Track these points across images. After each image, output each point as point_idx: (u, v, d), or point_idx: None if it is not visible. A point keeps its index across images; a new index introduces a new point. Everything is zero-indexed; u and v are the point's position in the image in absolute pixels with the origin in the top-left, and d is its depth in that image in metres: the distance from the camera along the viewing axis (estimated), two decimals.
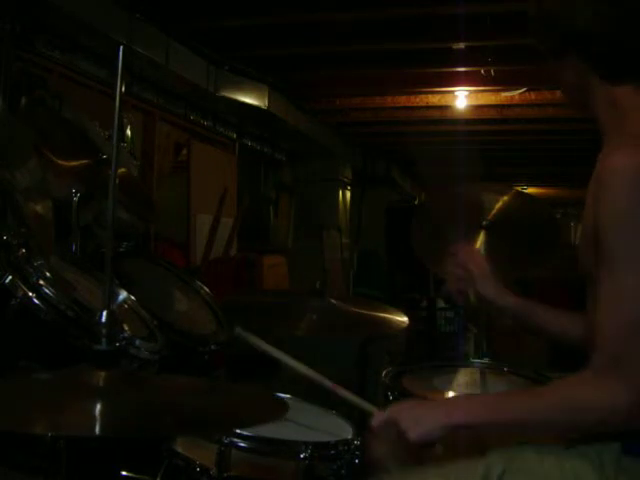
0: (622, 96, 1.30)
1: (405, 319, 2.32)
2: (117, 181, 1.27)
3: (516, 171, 9.85)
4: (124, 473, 1.62)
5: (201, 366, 2.41)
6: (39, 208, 2.19)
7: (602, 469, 1.21)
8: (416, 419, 1.25)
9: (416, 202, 9.97)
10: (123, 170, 2.97)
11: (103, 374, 1.12)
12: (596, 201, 1.21)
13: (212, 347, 2.42)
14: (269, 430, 1.44)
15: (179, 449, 1.51)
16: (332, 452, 1.53)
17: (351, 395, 1.46)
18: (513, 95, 5.30)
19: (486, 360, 2.35)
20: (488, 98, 5.52)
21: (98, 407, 1.04)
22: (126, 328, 1.82)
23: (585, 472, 1.22)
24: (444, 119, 6.14)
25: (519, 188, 8.42)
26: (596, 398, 1.15)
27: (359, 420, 1.71)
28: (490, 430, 1.29)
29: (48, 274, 1.79)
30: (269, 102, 5.04)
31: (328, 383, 1.49)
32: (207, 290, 2.69)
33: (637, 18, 1.26)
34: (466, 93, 5.38)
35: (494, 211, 2.40)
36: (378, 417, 1.32)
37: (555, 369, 2.23)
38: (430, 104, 5.70)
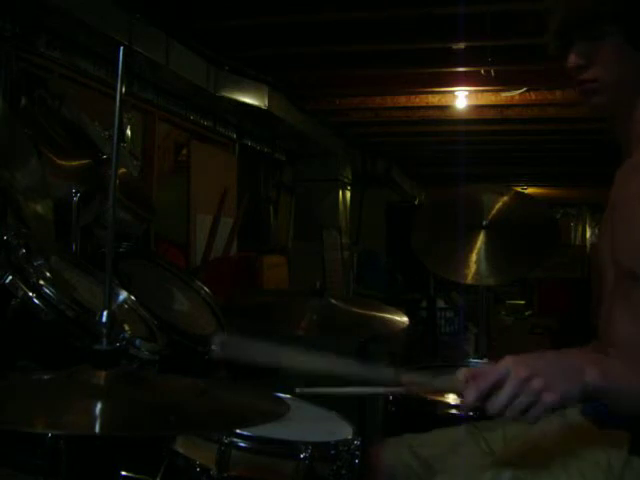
0: None
1: (405, 319, 2.32)
2: (117, 181, 1.27)
3: (516, 171, 9.85)
4: (124, 473, 1.61)
5: (201, 366, 2.41)
6: (39, 208, 2.19)
7: (609, 471, 1.20)
8: (552, 377, 1.06)
9: (416, 202, 9.97)
10: (123, 170, 2.98)
11: (103, 374, 1.12)
12: None
13: (212, 347, 2.41)
14: (269, 430, 1.45)
15: (179, 449, 1.51)
16: (332, 452, 1.53)
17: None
18: (513, 95, 5.31)
19: (486, 360, 2.35)
20: (488, 98, 5.52)
21: (98, 407, 1.04)
22: (126, 328, 1.82)
23: (591, 472, 1.22)
24: (444, 119, 6.14)
25: (519, 188, 8.46)
26: None
27: (359, 420, 1.71)
28: (623, 400, 1.13)
29: (48, 274, 1.79)
30: (269, 102, 5.03)
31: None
32: (207, 290, 2.69)
33: None
34: (466, 93, 5.38)
35: (494, 211, 2.40)
36: (490, 373, 1.08)
37: None
38: (430, 104, 5.69)
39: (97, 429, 1.00)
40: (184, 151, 5.21)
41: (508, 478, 1.25)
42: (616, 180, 1.31)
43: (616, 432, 1.21)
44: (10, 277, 1.67)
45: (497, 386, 1.06)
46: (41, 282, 1.71)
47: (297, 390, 1.35)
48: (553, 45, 1.32)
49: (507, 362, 1.09)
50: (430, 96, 5.61)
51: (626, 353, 1.23)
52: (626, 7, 1.21)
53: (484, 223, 2.37)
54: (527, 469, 1.27)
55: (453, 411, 1.88)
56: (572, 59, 1.28)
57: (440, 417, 1.66)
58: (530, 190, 10.30)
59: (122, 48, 1.19)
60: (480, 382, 1.08)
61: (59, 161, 2.46)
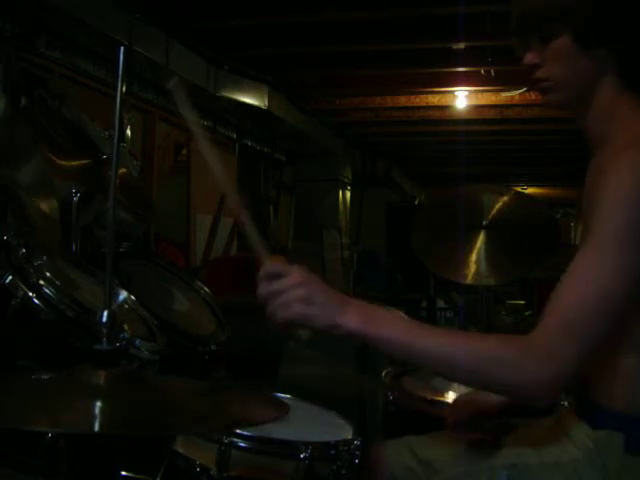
0: (627, 106, 1.24)
1: None
2: (117, 181, 1.27)
3: (516, 171, 9.85)
4: (124, 473, 1.61)
5: (201, 366, 2.41)
6: (44, 206, 2.19)
7: (605, 469, 1.21)
8: (321, 305, 1.15)
9: (416, 202, 9.98)
10: (123, 170, 2.98)
11: (103, 374, 1.12)
12: (598, 191, 1.17)
13: (212, 347, 2.42)
14: (269, 430, 1.45)
15: (179, 449, 1.51)
16: (332, 452, 1.53)
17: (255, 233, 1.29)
18: (513, 95, 5.31)
19: None
20: (488, 98, 5.52)
21: (98, 407, 1.04)
22: (126, 328, 1.82)
23: (587, 472, 1.22)
24: (444, 119, 6.14)
25: (519, 188, 8.47)
26: (521, 365, 1.09)
27: (359, 420, 1.71)
28: (386, 348, 1.19)
29: (48, 274, 1.79)
30: (269, 102, 5.04)
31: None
32: (207, 290, 2.69)
33: None
34: (466, 93, 5.38)
35: (494, 211, 2.40)
36: (273, 266, 1.18)
37: None
38: (430, 104, 5.70)
39: (97, 429, 1.00)
40: (184, 151, 5.21)
41: (505, 478, 1.26)
42: (586, 182, 1.30)
43: (611, 432, 1.22)
44: (10, 277, 1.67)
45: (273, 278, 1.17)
46: (41, 282, 1.71)
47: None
48: (514, 44, 1.35)
49: (295, 267, 1.18)
50: (430, 96, 5.61)
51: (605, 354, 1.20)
52: (573, 7, 1.23)
53: (484, 223, 2.37)
54: (523, 469, 1.28)
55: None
56: (527, 58, 1.31)
57: (440, 417, 1.66)
58: (530, 190, 10.31)
59: (122, 48, 1.19)
60: (263, 269, 1.19)
61: (59, 161, 2.46)
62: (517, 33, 1.33)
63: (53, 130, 2.64)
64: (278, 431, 1.47)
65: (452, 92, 5.38)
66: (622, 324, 1.15)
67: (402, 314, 1.21)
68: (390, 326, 1.17)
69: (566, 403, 1.49)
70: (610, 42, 1.22)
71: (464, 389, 2.03)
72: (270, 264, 1.19)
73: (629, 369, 1.20)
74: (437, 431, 1.59)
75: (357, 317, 1.16)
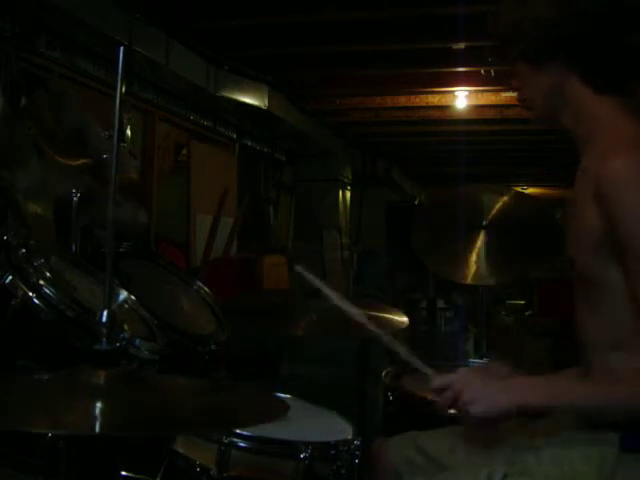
0: (604, 107, 1.27)
1: (405, 319, 2.32)
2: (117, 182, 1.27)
3: (516, 171, 9.85)
4: (124, 473, 1.62)
5: (201, 366, 2.41)
6: (39, 208, 2.19)
7: (601, 467, 1.22)
8: (481, 393, 1.28)
9: (416, 202, 9.98)
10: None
11: (103, 374, 1.12)
12: (609, 208, 1.19)
13: (212, 347, 2.41)
14: (269, 430, 1.45)
15: (179, 449, 1.51)
16: (332, 452, 1.53)
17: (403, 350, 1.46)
18: (513, 95, 5.30)
19: (486, 360, 2.35)
20: (488, 98, 5.52)
21: (98, 407, 1.04)
22: (126, 328, 1.82)
23: (584, 470, 1.23)
24: (444, 119, 6.14)
25: (519, 188, 8.46)
26: None
27: (359, 420, 1.71)
28: (557, 411, 1.30)
29: (48, 274, 1.78)
30: (269, 102, 5.04)
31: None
32: (207, 290, 2.68)
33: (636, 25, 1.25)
34: (466, 93, 5.38)
35: (494, 211, 2.41)
36: (439, 380, 1.34)
37: (555, 369, 2.22)
38: (430, 104, 5.70)
39: (97, 429, 1.00)
40: (184, 151, 5.21)
41: (501, 475, 1.27)
42: (575, 183, 1.34)
43: (606, 431, 1.23)
44: (10, 277, 1.67)
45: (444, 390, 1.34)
46: (41, 282, 1.71)
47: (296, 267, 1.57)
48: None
49: (456, 376, 1.35)
50: (430, 96, 5.61)
51: (595, 355, 1.29)
52: (518, 32, 1.31)
53: (484, 223, 2.38)
54: (521, 467, 1.29)
55: (453, 411, 1.88)
56: (512, 82, 1.41)
57: (440, 417, 1.66)
58: (530, 190, 10.30)
59: (122, 48, 1.19)
60: (433, 384, 1.37)
61: (59, 160, 2.46)
62: (499, 63, 1.44)
63: (53, 130, 2.64)
64: (278, 431, 1.47)
65: (452, 92, 5.38)
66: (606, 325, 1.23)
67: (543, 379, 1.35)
68: (536, 393, 1.27)
69: None
70: (556, 54, 1.28)
71: None
72: (437, 379, 1.36)
73: (618, 369, 1.23)
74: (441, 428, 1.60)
75: (505, 397, 1.28)
